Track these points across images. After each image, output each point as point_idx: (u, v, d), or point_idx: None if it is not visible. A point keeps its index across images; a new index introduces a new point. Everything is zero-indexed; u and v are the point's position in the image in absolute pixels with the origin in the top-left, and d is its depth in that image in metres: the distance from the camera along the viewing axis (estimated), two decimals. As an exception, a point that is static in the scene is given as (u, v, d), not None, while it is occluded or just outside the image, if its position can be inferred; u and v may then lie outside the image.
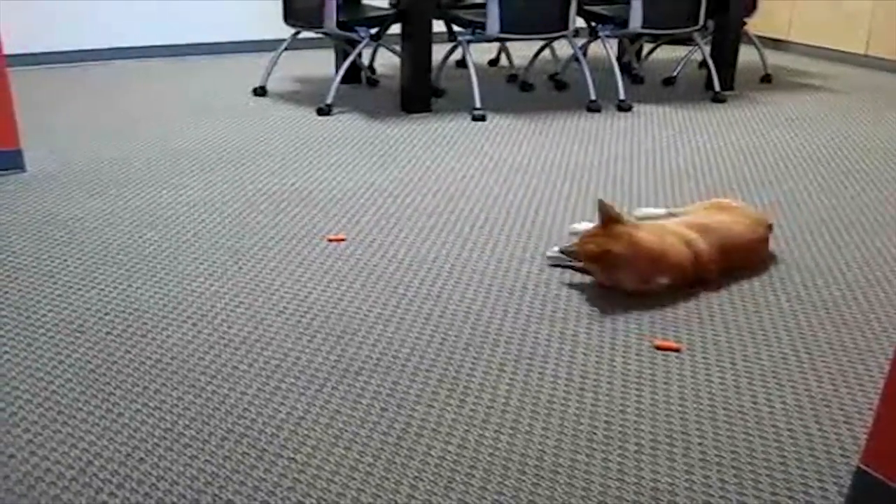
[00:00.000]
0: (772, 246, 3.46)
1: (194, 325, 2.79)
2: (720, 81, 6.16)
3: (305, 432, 2.25)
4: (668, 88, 6.55)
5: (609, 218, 3.07)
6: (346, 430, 2.26)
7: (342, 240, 3.46)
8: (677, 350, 2.71)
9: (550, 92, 6.30)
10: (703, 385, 2.52)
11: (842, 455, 2.22)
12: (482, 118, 5.39)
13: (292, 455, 2.16)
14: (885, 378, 1.93)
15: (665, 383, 2.52)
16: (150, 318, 2.83)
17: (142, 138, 4.79)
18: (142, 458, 2.13)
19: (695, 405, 2.41)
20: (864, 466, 1.99)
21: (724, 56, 6.33)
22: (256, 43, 7.09)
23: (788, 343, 2.78)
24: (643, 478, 2.12)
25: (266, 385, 2.46)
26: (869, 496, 1.99)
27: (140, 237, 3.43)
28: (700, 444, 2.25)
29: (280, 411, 2.34)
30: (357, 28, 5.54)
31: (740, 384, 2.53)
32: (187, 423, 2.28)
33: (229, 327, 2.78)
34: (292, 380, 2.49)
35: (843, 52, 7.64)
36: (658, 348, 2.72)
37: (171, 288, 3.04)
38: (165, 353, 2.62)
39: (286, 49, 5.92)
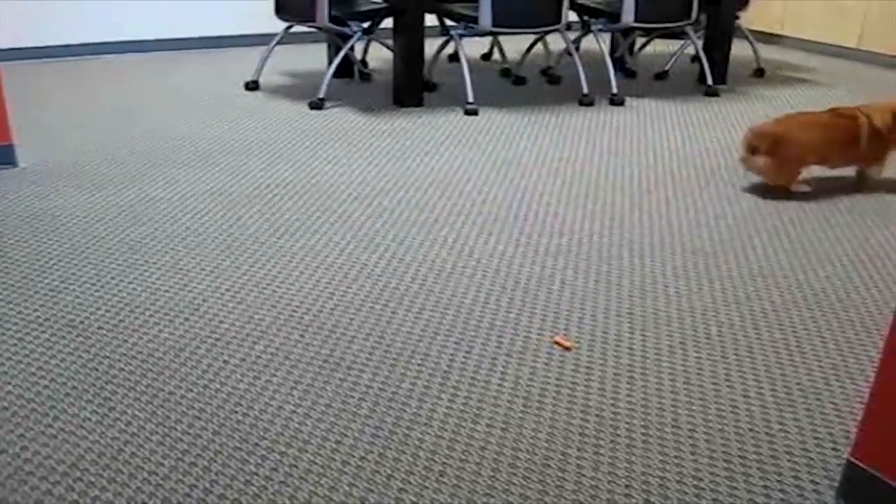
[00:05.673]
0: (764, 238, 3.47)
1: (186, 319, 2.79)
2: (713, 75, 6.17)
3: (297, 426, 2.25)
4: (661, 82, 6.56)
5: None
6: (338, 424, 2.27)
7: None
8: (568, 349, 2.69)
9: (543, 86, 6.30)
10: (694, 378, 2.52)
11: (832, 448, 2.22)
12: (475, 112, 5.39)
13: (284, 448, 2.16)
14: (876, 372, 1.94)
15: (657, 377, 2.53)
16: (143, 312, 2.83)
17: (134, 132, 4.78)
18: (133, 453, 2.13)
19: (686, 398, 2.42)
20: (854, 459, 2.00)
21: (717, 50, 6.34)
22: (249, 37, 7.08)
23: (780, 336, 2.78)
24: (634, 471, 2.12)
25: (258, 379, 2.46)
26: (859, 488, 2.00)
27: (130, 232, 3.43)
28: (691, 437, 2.25)
29: (272, 405, 2.34)
30: (349, 22, 5.54)
31: (731, 377, 2.53)
32: (179, 416, 2.28)
33: (221, 321, 2.78)
34: (284, 373, 2.49)
35: (836, 46, 7.65)
36: (556, 343, 2.71)
37: (163, 282, 3.04)
38: (157, 347, 2.62)
39: (278, 43, 5.91)
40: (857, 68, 7.20)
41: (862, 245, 3.51)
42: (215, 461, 2.11)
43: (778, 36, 8.10)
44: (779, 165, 4.07)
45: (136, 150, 4.49)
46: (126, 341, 2.64)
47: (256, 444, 2.18)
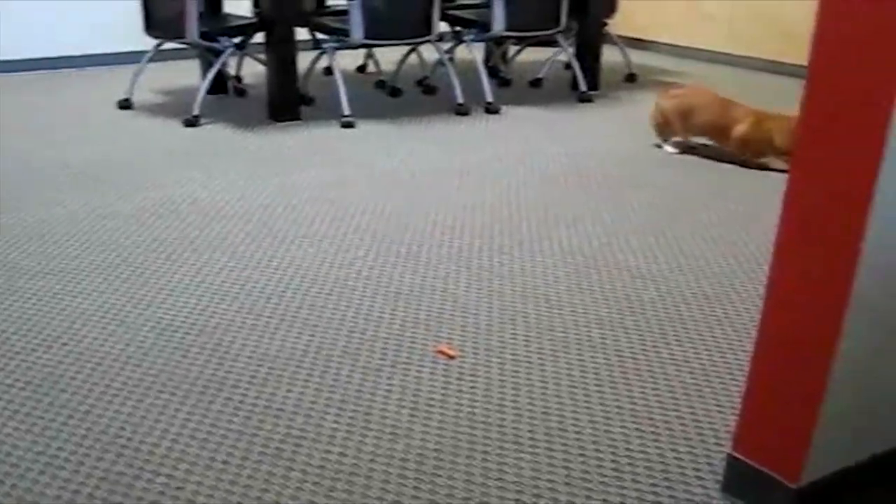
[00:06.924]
0: (641, 239, 3.53)
1: (64, 344, 2.73)
2: (586, 81, 6.27)
3: (183, 448, 2.22)
4: (536, 90, 6.64)
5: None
6: (224, 443, 2.24)
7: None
8: (453, 357, 2.72)
9: (419, 97, 6.33)
10: (578, 382, 2.55)
11: (715, 443, 2.27)
12: (351, 125, 5.39)
13: (170, 471, 2.13)
14: (749, 369, 1.99)
15: (541, 381, 2.55)
16: (19, 339, 2.76)
17: (5, 154, 4.67)
18: (14, 484, 2.08)
19: (571, 402, 2.45)
20: (735, 453, 2.05)
21: (588, 57, 6.44)
22: (120, 55, 6.96)
23: (660, 336, 2.83)
24: (523, 476, 2.14)
25: (141, 402, 2.42)
26: (740, 481, 2.05)
27: (3, 255, 3.35)
28: (577, 440, 2.28)
29: (157, 427, 2.30)
30: (219, 38, 5.48)
31: (615, 379, 2.57)
32: (61, 444, 2.23)
33: (101, 345, 2.73)
34: (168, 395, 2.45)
35: (705, 50, 7.84)
36: (439, 353, 2.73)
37: (39, 307, 2.97)
38: (35, 374, 2.55)
39: (150, 60, 5.82)
40: (727, 72, 7.39)
41: (735, 243, 3.59)
42: (99, 488, 2.07)
43: (646, 41, 8.27)
44: (661, 120, 4.98)
45: (7, 172, 4.38)
46: (2, 370, 2.58)
47: (142, 468, 2.14)
